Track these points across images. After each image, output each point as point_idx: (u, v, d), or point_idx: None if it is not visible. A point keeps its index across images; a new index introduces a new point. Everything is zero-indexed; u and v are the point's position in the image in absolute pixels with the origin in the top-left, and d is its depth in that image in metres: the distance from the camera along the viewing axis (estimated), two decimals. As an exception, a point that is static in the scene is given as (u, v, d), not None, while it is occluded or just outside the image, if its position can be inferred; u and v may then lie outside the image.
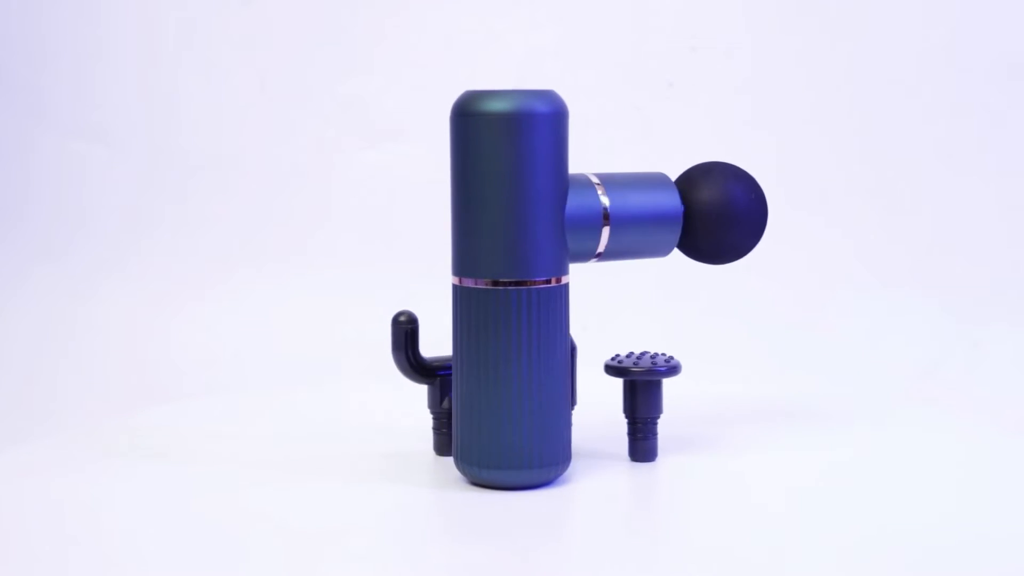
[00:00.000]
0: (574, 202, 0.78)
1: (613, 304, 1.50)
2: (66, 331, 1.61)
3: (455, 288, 0.78)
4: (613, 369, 0.83)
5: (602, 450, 0.85)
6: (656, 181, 0.82)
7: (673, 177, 0.84)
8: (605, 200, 0.79)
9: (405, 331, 0.82)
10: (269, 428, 0.92)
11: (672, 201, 0.82)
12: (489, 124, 0.76)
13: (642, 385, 0.83)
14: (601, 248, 0.79)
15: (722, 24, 1.59)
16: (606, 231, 0.78)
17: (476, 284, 0.76)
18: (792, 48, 1.58)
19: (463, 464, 0.78)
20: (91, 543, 0.71)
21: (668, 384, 0.84)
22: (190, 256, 1.63)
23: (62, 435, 0.92)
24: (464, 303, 0.77)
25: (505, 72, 1.58)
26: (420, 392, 0.90)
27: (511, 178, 0.76)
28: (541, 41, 1.60)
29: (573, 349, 0.82)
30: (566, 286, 0.78)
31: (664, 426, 0.86)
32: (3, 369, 1.58)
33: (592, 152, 1.58)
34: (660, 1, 1.60)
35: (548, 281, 0.77)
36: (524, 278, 0.76)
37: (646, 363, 0.82)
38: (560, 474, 0.79)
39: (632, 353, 0.85)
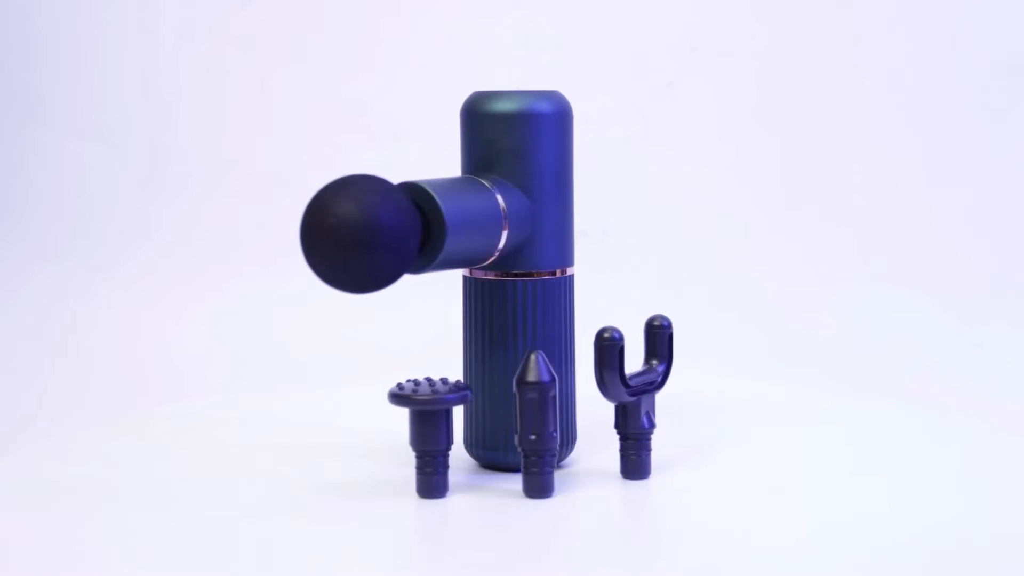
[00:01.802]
0: (483, 204, 0.76)
1: (609, 303, 1.49)
2: (66, 331, 1.61)
3: (465, 279, 0.81)
4: (396, 397, 0.76)
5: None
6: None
7: None
8: (502, 202, 0.77)
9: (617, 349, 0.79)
10: (269, 428, 0.92)
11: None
12: (496, 123, 0.78)
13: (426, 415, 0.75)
14: (502, 247, 0.78)
15: (722, 24, 1.59)
16: (504, 233, 0.77)
17: (486, 276, 0.79)
18: (792, 47, 1.58)
19: (472, 448, 0.81)
20: (90, 542, 0.71)
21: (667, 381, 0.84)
22: (190, 256, 1.63)
23: (62, 435, 0.92)
24: (474, 294, 0.80)
25: (505, 72, 1.58)
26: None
27: (517, 175, 0.78)
28: (541, 41, 1.60)
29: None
30: (571, 277, 0.81)
31: (662, 424, 0.86)
32: (3, 369, 1.58)
33: (592, 152, 1.59)
34: (660, 1, 1.60)
35: (553, 273, 0.80)
36: (530, 270, 0.79)
37: (427, 390, 0.75)
38: (566, 456, 0.82)
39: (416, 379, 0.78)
